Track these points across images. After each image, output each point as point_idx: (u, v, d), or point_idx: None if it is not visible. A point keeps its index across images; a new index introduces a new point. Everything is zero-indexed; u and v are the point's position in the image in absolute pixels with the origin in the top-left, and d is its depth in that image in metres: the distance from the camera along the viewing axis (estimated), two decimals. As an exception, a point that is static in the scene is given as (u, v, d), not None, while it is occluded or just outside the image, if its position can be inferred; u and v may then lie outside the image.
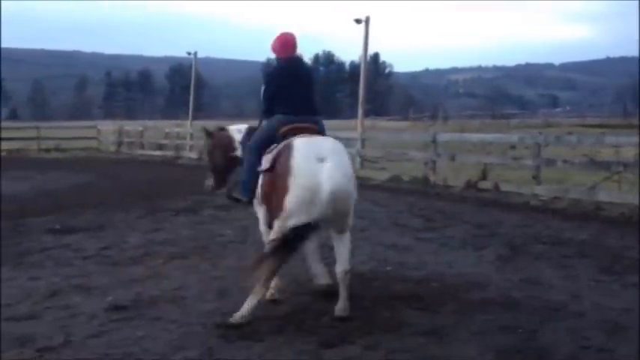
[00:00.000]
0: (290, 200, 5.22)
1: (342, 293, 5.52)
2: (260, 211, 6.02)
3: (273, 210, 5.51)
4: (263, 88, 6.08)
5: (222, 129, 6.94)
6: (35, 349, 4.93)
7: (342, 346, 4.91)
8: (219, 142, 6.81)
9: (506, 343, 4.95)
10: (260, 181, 5.77)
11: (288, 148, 5.43)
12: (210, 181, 6.88)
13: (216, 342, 5.02)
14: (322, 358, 4.72)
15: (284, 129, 5.79)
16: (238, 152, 6.56)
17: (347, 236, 5.57)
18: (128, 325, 5.45)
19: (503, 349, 4.82)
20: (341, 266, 5.54)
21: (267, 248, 5.41)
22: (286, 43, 6.15)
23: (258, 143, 5.95)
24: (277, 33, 6.26)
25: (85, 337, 5.16)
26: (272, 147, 5.75)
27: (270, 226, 5.69)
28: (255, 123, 6.53)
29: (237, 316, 5.31)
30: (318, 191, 5.15)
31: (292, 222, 5.24)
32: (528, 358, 4.70)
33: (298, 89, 5.99)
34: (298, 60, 6.28)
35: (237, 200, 6.39)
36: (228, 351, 4.85)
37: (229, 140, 6.70)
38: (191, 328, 5.35)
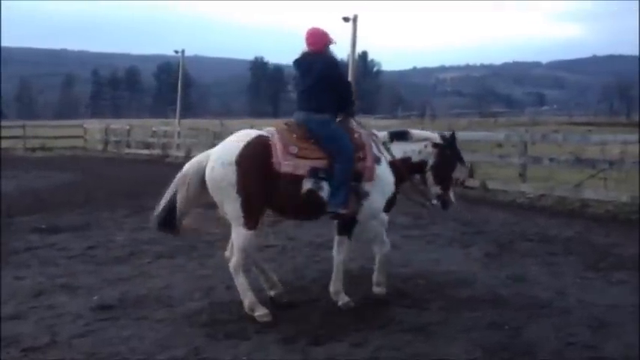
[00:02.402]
0: None
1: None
2: None
3: None
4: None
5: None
6: (20, 349, 4.90)
7: (329, 343, 4.92)
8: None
9: (492, 339, 4.97)
10: None
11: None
12: None
13: (203, 341, 5.01)
14: (310, 356, 4.73)
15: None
16: None
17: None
18: (114, 324, 5.43)
19: (490, 346, 4.84)
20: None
21: None
22: (312, 37, 5.94)
23: None
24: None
25: (70, 337, 5.13)
26: None
27: None
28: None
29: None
30: None
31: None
32: (515, 354, 4.72)
33: (304, 85, 5.88)
34: (314, 54, 5.96)
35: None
36: (214, 350, 4.84)
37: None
38: (178, 327, 5.34)
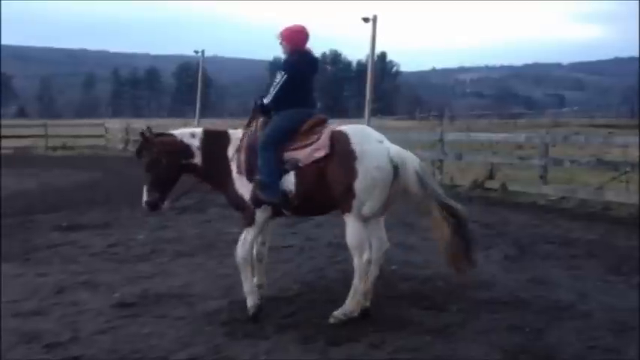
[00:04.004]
0: (360, 185, 5.21)
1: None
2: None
3: (330, 200, 5.38)
4: (284, 78, 5.58)
5: (163, 134, 5.95)
6: (43, 345, 4.97)
7: (347, 344, 4.92)
8: (167, 149, 5.75)
9: (512, 342, 4.95)
10: (295, 178, 5.42)
11: (342, 134, 5.40)
12: (151, 197, 5.76)
13: (222, 339, 5.04)
14: (328, 356, 4.73)
15: (311, 122, 5.58)
16: (197, 159, 5.81)
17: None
18: (135, 321, 5.48)
19: (509, 349, 4.81)
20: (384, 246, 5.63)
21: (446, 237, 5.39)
22: (304, 35, 5.89)
23: (278, 139, 5.49)
24: (288, 25, 5.94)
25: (92, 334, 5.19)
26: (299, 142, 5.46)
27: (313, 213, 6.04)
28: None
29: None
30: (401, 170, 5.32)
31: (367, 207, 5.26)
32: (535, 357, 4.69)
33: (310, 82, 5.90)
34: (310, 52, 6.01)
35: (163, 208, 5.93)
36: (234, 348, 4.86)
37: (183, 146, 5.79)
38: (197, 325, 5.37)
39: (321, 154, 5.34)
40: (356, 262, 5.38)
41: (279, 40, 5.84)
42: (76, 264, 7.54)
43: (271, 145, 5.46)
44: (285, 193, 5.41)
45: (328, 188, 5.31)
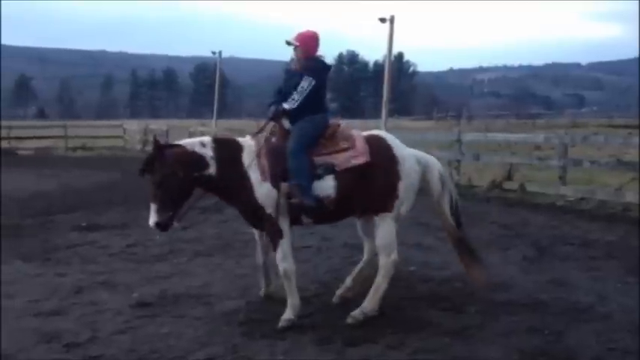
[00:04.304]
0: (402, 186, 5.60)
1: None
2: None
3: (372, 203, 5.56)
4: (312, 84, 5.57)
5: (171, 146, 5.57)
6: (62, 344, 5.01)
7: (365, 345, 4.92)
8: (183, 161, 5.34)
9: (531, 344, 4.92)
10: (335, 182, 5.46)
11: (381, 140, 5.72)
12: (162, 217, 5.24)
13: (240, 339, 5.05)
14: (345, 357, 4.73)
15: (332, 127, 5.69)
16: (212, 169, 5.42)
17: None
18: (153, 321, 5.51)
19: (528, 351, 4.78)
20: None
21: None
22: (318, 42, 5.89)
23: (309, 144, 5.52)
24: (301, 31, 5.93)
25: (110, 333, 5.23)
26: (329, 147, 5.55)
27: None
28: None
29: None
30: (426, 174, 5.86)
31: (405, 206, 5.69)
32: (554, 359, 4.65)
33: (325, 88, 5.92)
34: (323, 58, 6.01)
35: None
36: (251, 348, 4.88)
37: (197, 157, 5.41)
38: (215, 325, 5.39)
39: (360, 160, 5.50)
40: (383, 261, 5.56)
41: (295, 44, 5.77)
42: (95, 264, 7.60)
43: (304, 150, 5.47)
44: (319, 198, 5.42)
45: (368, 191, 5.50)
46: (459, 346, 4.90)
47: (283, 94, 5.73)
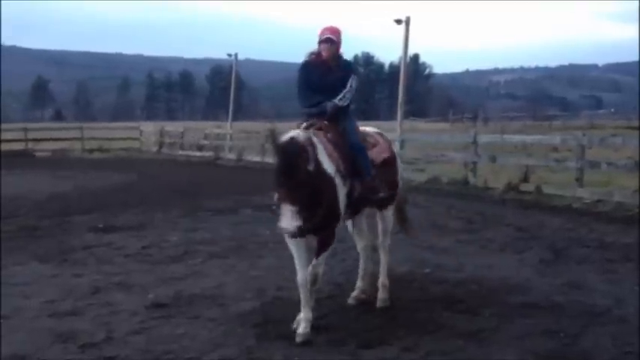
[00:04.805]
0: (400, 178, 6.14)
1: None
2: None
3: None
4: (357, 82, 5.70)
5: (293, 138, 4.95)
6: (78, 345, 5.03)
7: (380, 346, 4.90)
8: (308, 154, 4.88)
9: (547, 347, 4.88)
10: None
11: (385, 138, 6.11)
12: (303, 221, 4.67)
13: (254, 341, 5.05)
14: (360, 358, 4.72)
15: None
16: (311, 165, 4.88)
17: None
18: (168, 322, 5.53)
19: (544, 354, 4.75)
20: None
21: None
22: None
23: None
24: (326, 26, 5.78)
25: (126, 334, 5.25)
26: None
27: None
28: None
29: None
30: None
31: None
32: (570, 363, 4.62)
33: None
34: None
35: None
36: (265, 350, 4.87)
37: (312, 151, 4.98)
38: (230, 326, 5.40)
39: (386, 155, 5.89)
40: (386, 242, 6.12)
41: (340, 40, 5.68)
42: (111, 265, 7.65)
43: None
44: None
45: (387, 184, 5.79)
46: (473, 348, 4.87)
47: (315, 88, 5.60)
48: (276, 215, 4.79)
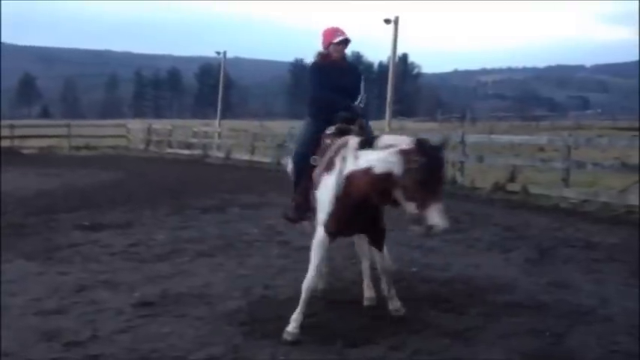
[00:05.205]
0: None
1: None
2: None
3: None
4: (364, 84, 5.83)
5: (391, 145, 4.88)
6: (62, 343, 5.00)
7: (366, 345, 4.91)
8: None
9: (533, 346, 4.90)
10: None
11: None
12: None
13: (241, 339, 5.04)
14: (346, 358, 4.72)
15: None
16: None
17: None
18: (154, 321, 5.50)
19: (529, 353, 4.77)
20: None
21: None
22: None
23: None
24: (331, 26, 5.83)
25: (111, 333, 5.22)
26: None
27: None
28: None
29: None
30: None
31: None
32: (555, 362, 4.64)
33: None
34: None
35: None
36: (252, 349, 4.87)
37: None
38: (216, 325, 5.38)
39: None
40: (385, 248, 5.60)
41: (349, 41, 5.72)
42: (97, 263, 7.61)
43: None
44: None
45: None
46: (459, 347, 4.88)
47: (331, 90, 5.62)
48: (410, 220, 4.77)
